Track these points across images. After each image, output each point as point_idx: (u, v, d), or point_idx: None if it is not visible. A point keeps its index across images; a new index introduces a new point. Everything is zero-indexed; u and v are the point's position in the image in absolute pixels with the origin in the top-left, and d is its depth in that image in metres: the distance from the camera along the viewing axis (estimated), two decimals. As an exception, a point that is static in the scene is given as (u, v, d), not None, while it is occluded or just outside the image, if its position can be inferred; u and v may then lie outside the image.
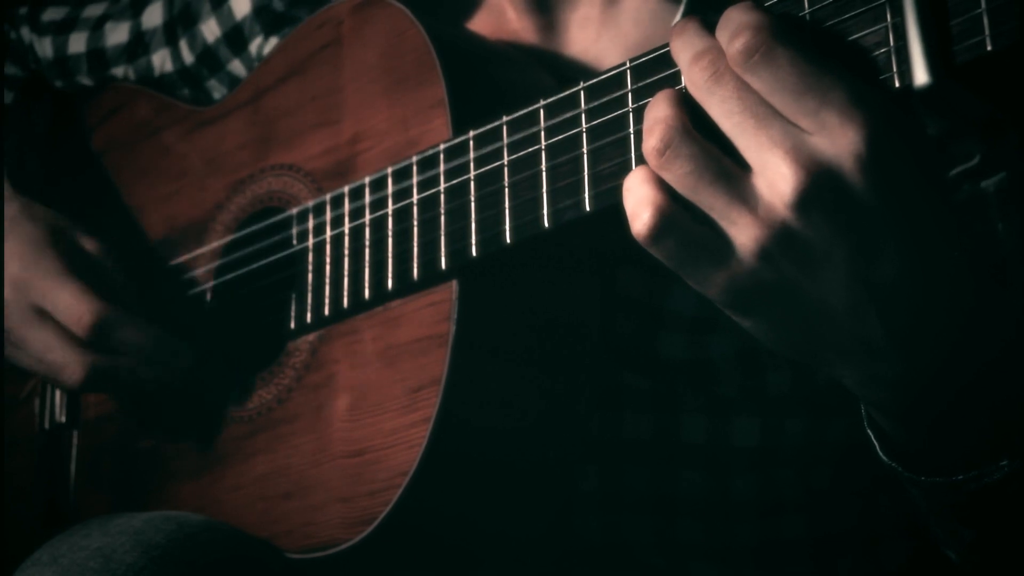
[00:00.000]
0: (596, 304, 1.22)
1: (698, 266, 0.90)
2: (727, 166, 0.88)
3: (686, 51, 0.91)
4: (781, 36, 0.86)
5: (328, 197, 1.29)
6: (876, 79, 0.88)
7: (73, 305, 1.36)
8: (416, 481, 1.16)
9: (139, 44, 1.60)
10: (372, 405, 1.21)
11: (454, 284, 1.17)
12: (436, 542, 1.23)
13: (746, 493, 1.27)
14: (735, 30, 0.87)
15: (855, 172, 0.85)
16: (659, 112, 0.90)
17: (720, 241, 0.89)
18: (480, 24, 1.38)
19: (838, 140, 0.85)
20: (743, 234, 0.88)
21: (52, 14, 1.68)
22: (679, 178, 0.88)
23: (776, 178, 0.86)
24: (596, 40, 1.30)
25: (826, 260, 0.87)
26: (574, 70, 1.29)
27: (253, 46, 1.51)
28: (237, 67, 1.54)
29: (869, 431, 1.00)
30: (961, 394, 0.93)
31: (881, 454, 1.00)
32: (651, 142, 0.89)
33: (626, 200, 0.91)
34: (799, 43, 0.87)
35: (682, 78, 0.95)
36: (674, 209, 0.89)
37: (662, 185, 0.90)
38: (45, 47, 1.66)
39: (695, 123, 0.89)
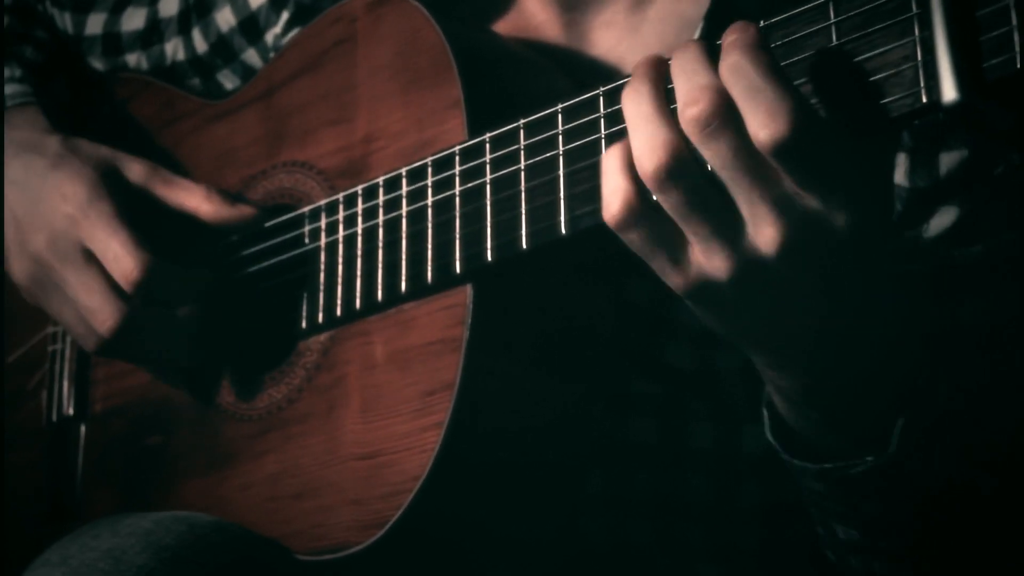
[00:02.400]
0: (610, 310, 1.21)
1: (657, 260, 0.96)
2: (715, 203, 0.92)
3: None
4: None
5: (341, 196, 1.28)
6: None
7: (122, 256, 1.33)
8: (429, 485, 1.15)
9: (154, 32, 1.59)
10: (384, 408, 1.20)
11: (468, 288, 1.16)
12: (447, 546, 1.23)
13: (752, 498, 1.28)
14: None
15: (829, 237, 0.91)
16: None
17: (682, 246, 0.95)
18: (502, 20, 1.36)
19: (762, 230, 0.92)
20: (715, 259, 0.93)
21: None
22: (671, 206, 0.93)
23: (762, 228, 0.91)
24: (619, 44, 1.29)
25: (779, 292, 0.95)
26: (595, 72, 1.28)
27: (269, 36, 1.50)
28: (252, 57, 1.52)
29: (764, 410, 1.08)
30: (848, 393, 1.02)
31: (768, 432, 1.07)
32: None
33: (602, 183, 0.96)
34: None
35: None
36: (642, 205, 0.94)
37: (634, 177, 0.94)
38: (65, 21, 1.64)
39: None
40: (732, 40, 0.90)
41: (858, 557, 1.12)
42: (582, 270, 1.19)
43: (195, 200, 1.37)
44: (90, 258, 1.35)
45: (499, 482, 1.21)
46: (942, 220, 1.14)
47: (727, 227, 0.92)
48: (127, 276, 1.32)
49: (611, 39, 1.30)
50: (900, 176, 1.14)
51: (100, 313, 1.33)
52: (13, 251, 1.41)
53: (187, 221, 1.38)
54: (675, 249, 0.95)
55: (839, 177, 0.89)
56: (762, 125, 0.88)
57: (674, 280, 0.96)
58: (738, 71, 0.89)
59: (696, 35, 1.20)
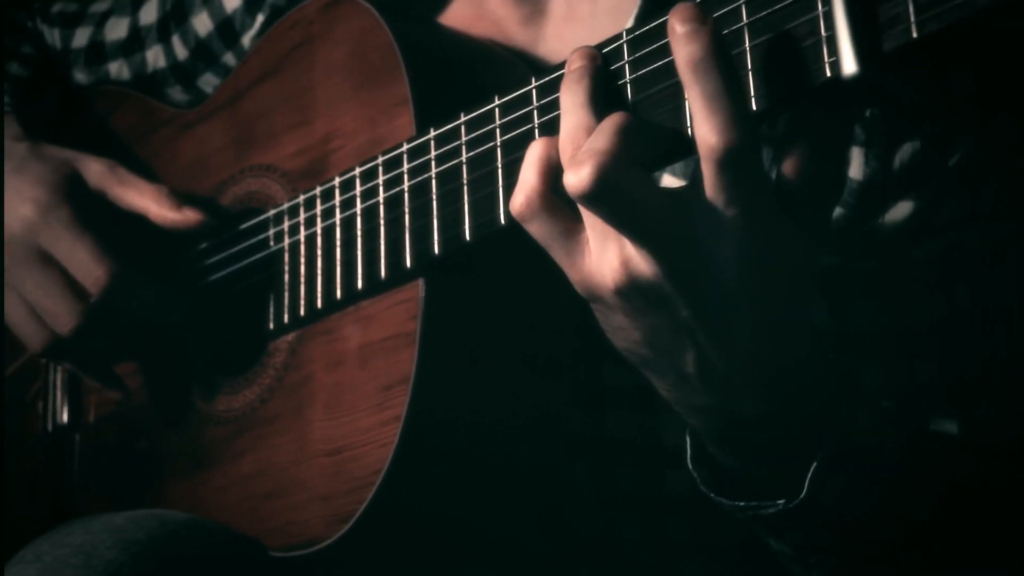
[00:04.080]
0: (575, 303, 1.22)
1: (555, 252, 0.98)
2: (571, 232, 0.96)
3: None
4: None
5: (302, 198, 1.30)
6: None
7: (89, 262, 1.35)
8: (391, 478, 1.17)
9: (135, 40, 1.62)
10: (347, 404, 1.22)
11: (420, 283, 1.17)
12: (418, 538, 1.24)
13: None
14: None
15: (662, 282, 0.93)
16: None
17: (578, 241, 0.97)
18: (460, 13, 1.37)
19: (648, 260, 0.92)
20: (606, 255, 0.95)
21: (62, 6, 1.70)
22: (533, 234, 0.97)
23: (603, 262, 0.94)
24: (577, 31, 1.30)
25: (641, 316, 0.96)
26: (554, 62, 1.29)
27: (246, 39, 1.52)
28: (231, 60, 1.55)
29: (687, 437, 1.07)
30: (762, 430, 1.01)
31: (688, 462, 1.07)
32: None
33: (521, 171, 0.98)
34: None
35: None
36: (542, 200, 0.96)
37: (541, 172, 0.96)
38: (54, 37, 1.68)
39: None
40: (690, 32, 0.89)
41: (796, 567, 1.11)
42: (544, 263, 1.19)
43: (145, 201, 1.39)
44: (49, 261, 1.37)
45: (468, 476, 1.22)
46: (897, 214, 1.14)
47: (613, 236, 0.93)
48: (95, 282, 1.34)
49: (568, 26, 1.31)
50: (854, 170, 1.13)
51: (61, 315, 1.35)
52: None
53: (146, 224, 1.40)
54: (571, 244, 0.96)
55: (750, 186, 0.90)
56: (717, 132, 0.88)
57: (572, 275, 0.97)
58: (700, 73, 0.89)
59: (634, 14, 1.20)
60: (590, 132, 0.94)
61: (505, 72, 1.29)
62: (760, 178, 0.90)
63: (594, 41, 1.06)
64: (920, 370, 1.15)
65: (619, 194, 0.89)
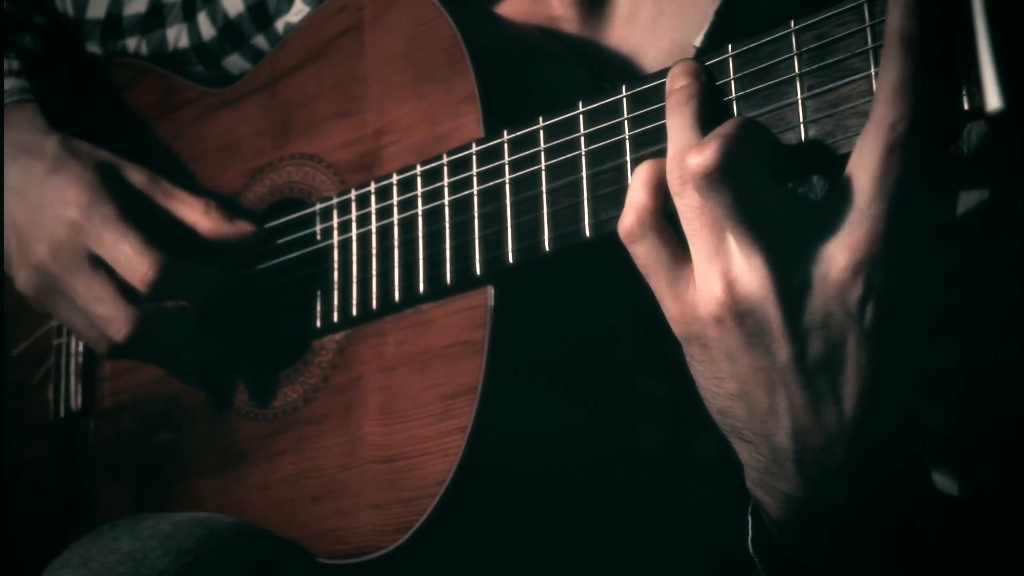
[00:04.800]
0: (629, 316, 1.19)
1: (657, 279, 0.94)
2: (678, 259, 0.93)
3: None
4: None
5: (354, 194, 1.25)
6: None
7: (134, 258, 1.30)
8: (452, 490, 1.13)
9: (156, 16, 1.55)
10: (403, 410, 1.19)
11: (490, 290, 1.13)
12: (464, 549, 1.21)
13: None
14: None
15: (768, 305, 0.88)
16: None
17: (683, 270, 0.93)
18: (514, 6, 1.33)
19: (756, 273, 0.88)
20: (710, 286, 0.91)
21: None
22: (637, 258, 0.94)
23: (705, 287, 0.90)
24: (634, 36, 1.26)
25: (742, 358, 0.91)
26: (613, 62, 1.25)
27: (280, 23, 1.46)
28: (262, 42, 1.48)
29: (749, 517, 1.02)
30: (852, 533, 0.96)
31: (750, 544, 1.02)
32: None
33: (628, 195, 0.95)
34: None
35: None
36: (653, 220, 0.93)
37: (654, 194, 0.94)
38: (66, 4, 1.60)
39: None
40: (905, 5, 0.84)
41: None
42: (603, 274, 1.16)
43: (194, 214, 1.34)
44: (97, 264, 1.32)
45: (517, 486, 1.20)
46: (970, 201, 1.11)
47: (722, 248, 0.89)
48: (142, 278, 1.30)
49: (628, 29, 1.28)
50: None
51: (114, 321, 1.30)
52: (15, 261, 1.38)
53: (187, 232, 1.35)
54: (676, 271, 0.93)
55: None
56: (907, 112, 0.84)
57: (671, 307, 0.93)
58: (908, 49, 0.84)
59: (704, 31, 1.17)
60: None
61: (565, 71, 1.25)
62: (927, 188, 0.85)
63: (657, 46, 1.04)
64: (979, 414, 1.13)
65: (740, 177, 0.87)
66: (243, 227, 1.33)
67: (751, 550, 1.02)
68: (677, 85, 0.95)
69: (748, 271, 0.88)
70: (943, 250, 0.92)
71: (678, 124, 0.93)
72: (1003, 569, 1.09)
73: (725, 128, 0.89)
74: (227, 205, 1.36)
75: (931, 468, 1.13)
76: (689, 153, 0.88)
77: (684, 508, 1.25)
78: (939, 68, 0.83)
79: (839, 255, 0.86)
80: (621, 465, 1.25)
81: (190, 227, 1.34)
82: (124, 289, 1.31)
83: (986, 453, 1.13)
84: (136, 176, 1.37)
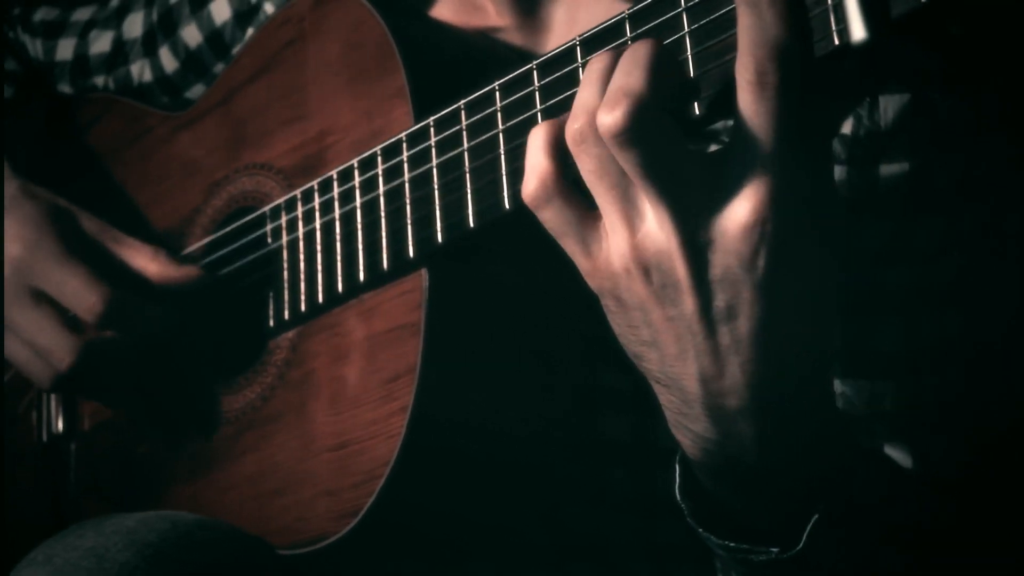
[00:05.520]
0: (580, 303, 1.21)
1: (568, 241, 0.96)
2: (586, 219, 0.95)
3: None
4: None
5: (298, 192, 1.29)
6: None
7: (82, 291, 1.34)
8: (399, 470, 1.16)
9: (119, 54, 1.61)
10: (352, 397, 1.21)
11: (424, 272, 1.16)
12: (424, 533, 1.23)
13: None
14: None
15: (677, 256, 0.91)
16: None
17: (592, 229, 0.95)
18: (449, 11, 1.37)
19: (663, 229, 0.90)
20: (616, 237, 0.93)
21: (43, 14, 1.69)
22: (546, 223, 0.96)
23: (615, 244, 0.93)
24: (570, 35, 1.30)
25: (655, 306, 0.93)
26: None
27: (236, 51, 1.52)
28: (222, 70, 1.54)
29: (676, 466, 1.04)
30: (763, 476, 0.98)
31: (676, 491, 1.04)
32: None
33: (526, 159, 0.97)
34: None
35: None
36: (557, 184, 0.94)
37: (553, 155, 0.95)
38: (37, 48, 1.66)
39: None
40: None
41: None
42: (549, 259, 1.19)
43: (142, 260, 1.38)
44: (40, 298, 1.36)
45: (472, 470, 1.21)
46: (891, 171, 1.13)
47: (629, 205, 0.91)
48: (90, 308, 1.34)
49: (563, 31, 1.31)
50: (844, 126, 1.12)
51: (56, 351, 1.34)
52: None
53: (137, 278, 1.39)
54: (586, 231, 0.94)
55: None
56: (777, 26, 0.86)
57: (583, 265, 0.96)
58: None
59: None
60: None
61: (502, 68, 1.28)
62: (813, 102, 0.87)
63: None
64: (928, 391, 1.14)
65: (654, 135, 0.88)
66: (190, 271, 1.37)
67: (677, 497, 1.04)
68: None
69: (656, 227, 0.91)
70: (833, 209, 0.93)
71: (587, 78, 0.94)
72: (972, 551, 1.10)
73: (631, 82, 0.89)
74: (175, 251, 1.41)
75: (884, 443, 1.14)
76: (600, 111, 0.89)
77: (659, 497, 1.27)
78: (781, 17, 0.86)
79: (738, 208, 0.89)
80: (589, 455, 1.27)
81: (139, 272, 1.38)
82: (68, 321, 1.35)
83: (943, 435, 1.14)
84: (87, 223, 1.42)
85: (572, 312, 1.23)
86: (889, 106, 1.12)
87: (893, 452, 1.14)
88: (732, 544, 1.02)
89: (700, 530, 1.04)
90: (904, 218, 1.12)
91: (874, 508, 1.04)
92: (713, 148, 1.01)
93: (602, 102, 0.90)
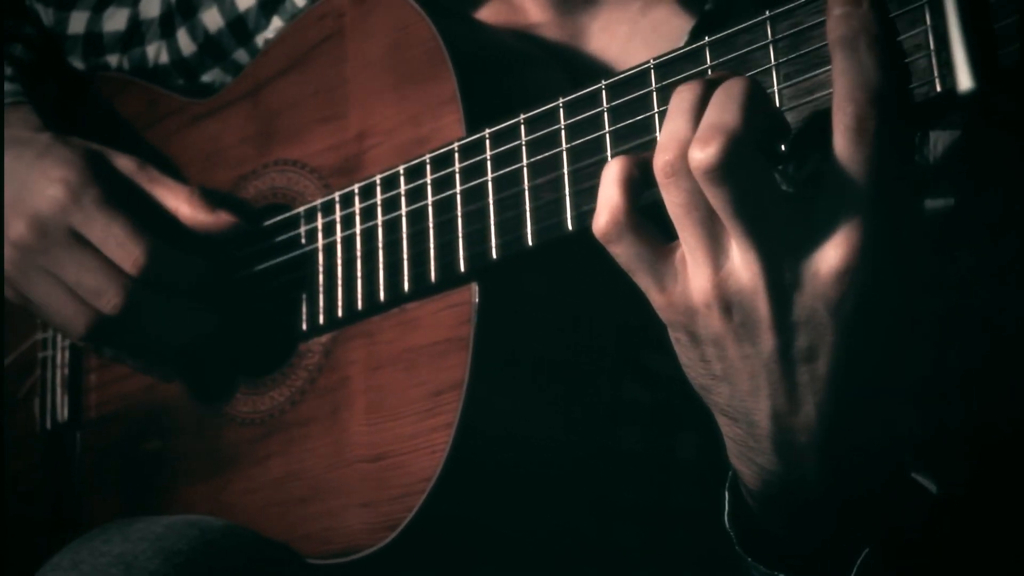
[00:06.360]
0: (613, 313, 1.20)
1: (640, 277, 0.94)
2: (660, 253, 0.93)
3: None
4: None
5: (337, 195, 1.26)
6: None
7: (126, 241, 1.30)
8: (440, 486, 1.14)
9: (135, 34, 1.56)
10: (390, 409, 1.19)
11: (474, 286, 1.14)
12: (454, 546, 1.22)
13: None
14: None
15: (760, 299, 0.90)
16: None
17: (666, 266, 0.94)
18: (491, 13, 1.34)
19: (749, 269, 0.89)
20: (697, 278, 0.92)
21: None
22: (618, 257, 0.94)
23: (697, 279, 0.91)
24: (612, 48, 1.28)
25: (727, 345, 0.93)
26: (590, 70, 1.27)
27: (259, 39, 1.48)
28: (243, 56, 1.50)
29: (726, 492, 1.04)
30: (821, 509, 0.98)
31: (726, 519, 1.03)
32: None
33: (599, 192, 0.95)
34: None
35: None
36: (629, 220, 0.93)
37: (626, 192, 0.93)
38: (49, 17, 1.61)
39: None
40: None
41: None
42: (590, 272, 1.18)
43: (177, 201, 1.34)
44: (83, 242, 1.32)
45: (505, 484, 1.20)
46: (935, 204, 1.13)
47: (714, 241, 0.90)
48: (134, 261, 1.29)
49: (605, 43, 1.29)
50: None
51: (105, 292, 1.29)
52: None
53: (170, 221, 1.35)
54: (660, 266, 0.93)
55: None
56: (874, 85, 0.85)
57: (657, 299, 0.94)
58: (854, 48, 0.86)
59: (685, 37, 1.19)
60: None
61: (544, 74, 1.26)
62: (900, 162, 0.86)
63: (631, 63, 1.05)
64: (955, 418, 1.14)
65: (746, 173, 0.87)
66: (224, 217, 1.33)
67: (727, 524, 1.03)
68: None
69: (741, 264, 0.90)
70: (916, 253, 0.93)
71: (677, 108, 0.92)
72: (979, 569, 1.10)
73: (727, 118, 0.88)
74: (217, 197, 1.36)
75: (913, 471, 1.14)
76: (693, 146, 0.88)
77: (669, 508, 1.26)
78: (881, 63, 0.85)
79: (830, 253, 0.88)
80: (605, 466, 1.26)
81: (172, 214, 1.35)
82: (114, 265, 1.31)
83: (960, 457, 1.15)
84: (123, 162, 1.38)
85: (603, 326, 1.22)
86: (939, 141, 1.12)
87: (919, 478, 1.15)
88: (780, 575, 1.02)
89: (749, 559, 1.03)
90: (941, 251, 1.12)
91: (919, 540, 1.04)
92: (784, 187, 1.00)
93: (695, 136, 0.89)
